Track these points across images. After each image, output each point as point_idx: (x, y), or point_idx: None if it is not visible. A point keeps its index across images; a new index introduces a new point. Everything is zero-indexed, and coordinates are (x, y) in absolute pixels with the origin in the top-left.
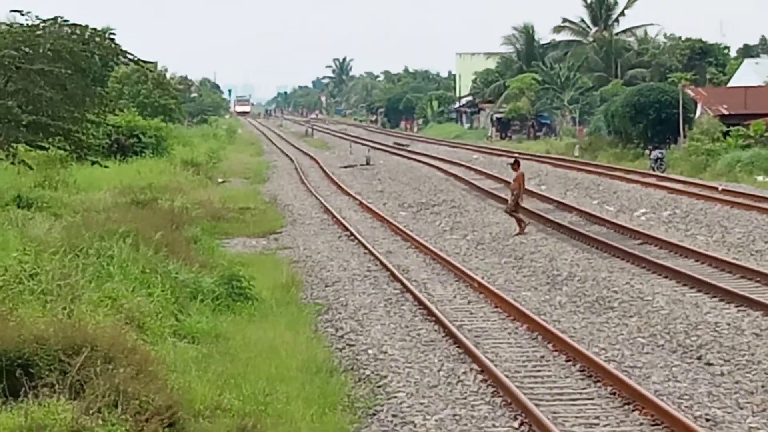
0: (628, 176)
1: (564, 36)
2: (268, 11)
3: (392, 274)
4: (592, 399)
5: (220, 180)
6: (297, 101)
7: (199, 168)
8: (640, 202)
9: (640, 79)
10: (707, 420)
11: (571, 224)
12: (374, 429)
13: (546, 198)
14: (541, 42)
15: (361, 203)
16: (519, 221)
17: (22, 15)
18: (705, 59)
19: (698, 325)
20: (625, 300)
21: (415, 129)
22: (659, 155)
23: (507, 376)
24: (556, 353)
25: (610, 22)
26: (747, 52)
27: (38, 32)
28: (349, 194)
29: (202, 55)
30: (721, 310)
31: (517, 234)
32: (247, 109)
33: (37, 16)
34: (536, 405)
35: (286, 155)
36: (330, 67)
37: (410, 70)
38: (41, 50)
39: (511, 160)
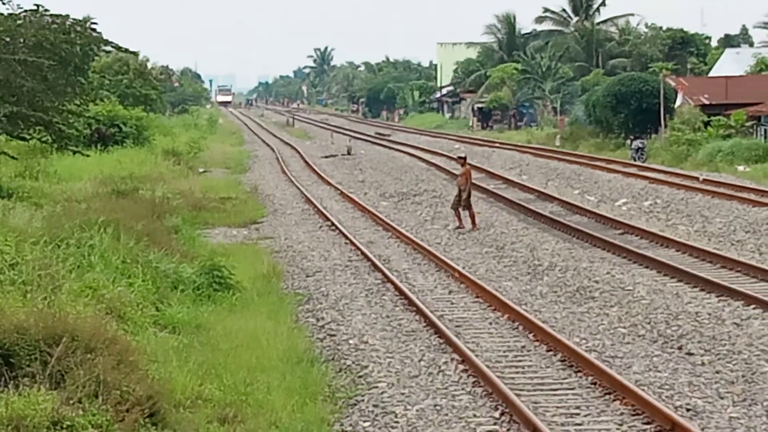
0: (609, 166)
1: (545, 26)
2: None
3: (373, 264)
4: (573, 389)
5: (201, 170)
6: (278, 91)
7: (180, 158)
8: (621, 191)
9: (621, 69)
10: (688, 410)
11: (552, 214)
12: (355, 419)
13: (527, 188)
14: (523, 32)
15: (342, 193)
16: (460, 217)
17: (3, 4)
18: (686, 49)
19: (679, 315)
20: (606, 290)
21: (397, 119)
22: (640, 145)
23: (488, 366)
24: (537, 343)
25: (591, 12)
26: (728, 41)
27: (19, 22)
28: (330, 184)
29: (183, 45)
30: (702, 300)
31: (457, 228)
32: (228, 99)
33: (18, 6)
34: (517, 395)
35: (268, 145)
36: (311, 56)
37: (391, 59)
38: (22, 40)
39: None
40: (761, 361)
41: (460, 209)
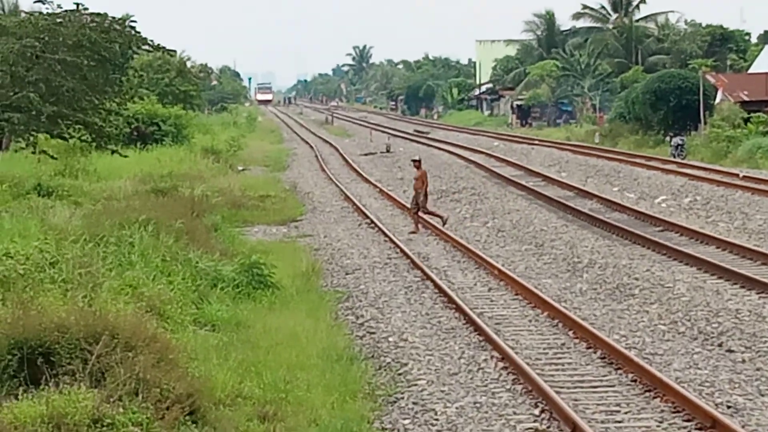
0: (649, 163)
1: (584, 23)
2: None
3: (412, 261)
4: (613, 386)
5: (240, 168)
6: (317, 89)
7: (219, 156)
8: (661, 189)
9: (661, 66)
10: (728, 407)
11: (592, 211)
12: (395, 417)
13: (566, 185)
14: (562, 29)
15: (381, 191)
16: (433, 213)
17: (43, 4)
18: (725, 45)
19: (719, 312)
20: (646, 287)
21: (435, 116)
22: (680, 142)
23: (528, 364)
24: (576, 340)
25: (630, 9)
26: (767, 38)
27: (59, 21)
28: (369, 182)
29: (222, 43)
30: (743, 297)
31: (412, 232)
32: (269, 97)
33: (58, 5)
34: (557, 392)
35: (306, 143)
36: (350, 54)
37: (430, 57)
38: (62, 39)
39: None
40: None
41: (420, 213)
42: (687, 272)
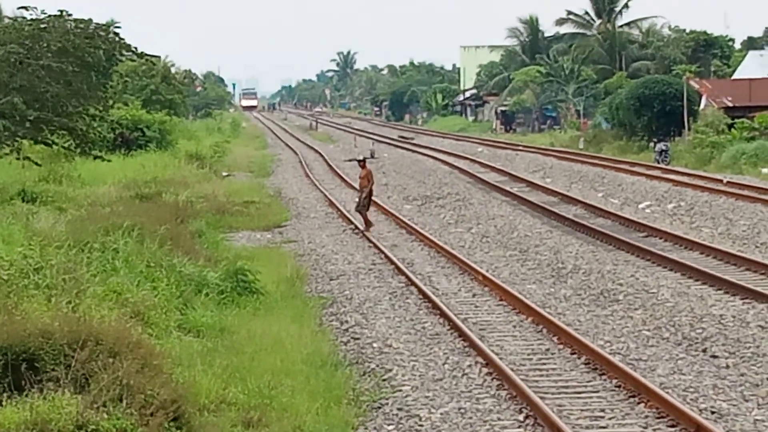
0: (633, 169)
1: (568, 28)
2: (271, 4)
3: (397, 267)
4: (597, 392)
5: (224, 174)
6: (301, 95)
7: (203, 162)
8: (645, 194)
9: (645, 72)
10: (712, 412)
11: (576, 217)
12: (379, 422)
13: (550, 191)
14: (546, 35)
15: None
16: (367, 219)
17: (27, 10)
18: (709, 51)
19: (703, 318)
20: (630, 293)
21: (420, 122)
22: (664, 147)
23: (512, 369)
24: (561, 346)
25: (614, 15)
26: (751, 44)
27: (43, 27)
28: (353, 187)
29: (206, 49)
30: (726, 302)
31: (366, 229)
32: (254, 103)
33: (42, 11)
34: (541, 398)
35: (291, 149)
36: (334, 60)
37: (415, 63)
38: (46, 45)
39: (360, 158)
40: None
41: (364, 211)
42: (671, 278)
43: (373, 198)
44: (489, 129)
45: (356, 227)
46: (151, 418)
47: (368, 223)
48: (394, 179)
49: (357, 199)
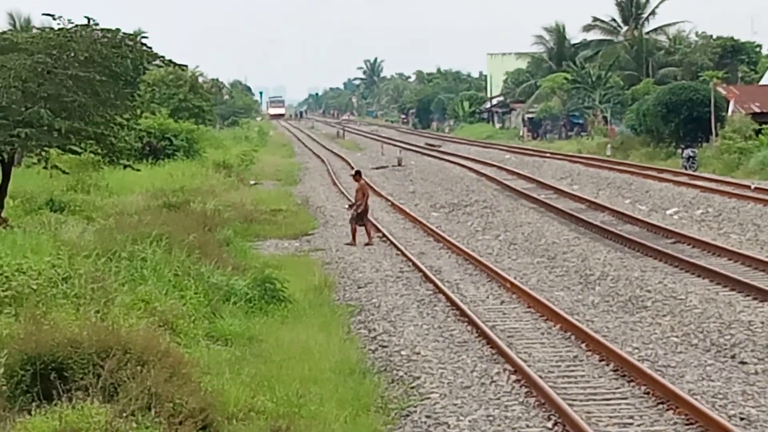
0: (660, 175)
1: (594, 35)
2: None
3: (425, 275)
4: (625, 399)
5: (252, 182)
6: (328, 103)
7: (231, 170)
8: (673, 201)
9: (672, 78)
10: (741, 419)
11: (604, 224)
12: (408, 430)
13: (578, 198)
14: (572, 41)
15: (393, 204)
16: (354, 233)
17: (54, 19)
18: (737, 57)
19: (732, 324)
20: (658, 299)
21: (447, 130)
22: (691, 154)
23: (540, 377)
24: (589, 353)
25: (641, 21)
26: None
27: (70, 37)
28: (381, 195)
29: (233, 58)
30: (755, 308)
31: (348, 244)
32: (282, 111)
33: (69, 20)
34: (570, 405)
35: (318, 157)
36: (361, 68)
37: (441, 70)
38: (73, 55)
39: (353, 172)
40: None
41: (357, 225)
42: (699, 284)
43: (368, 215)
44: (516, 136)
45: (383, 235)
46: (180, 427)
47: (354, 239)
48: (421, 187)
49: (351, 213)
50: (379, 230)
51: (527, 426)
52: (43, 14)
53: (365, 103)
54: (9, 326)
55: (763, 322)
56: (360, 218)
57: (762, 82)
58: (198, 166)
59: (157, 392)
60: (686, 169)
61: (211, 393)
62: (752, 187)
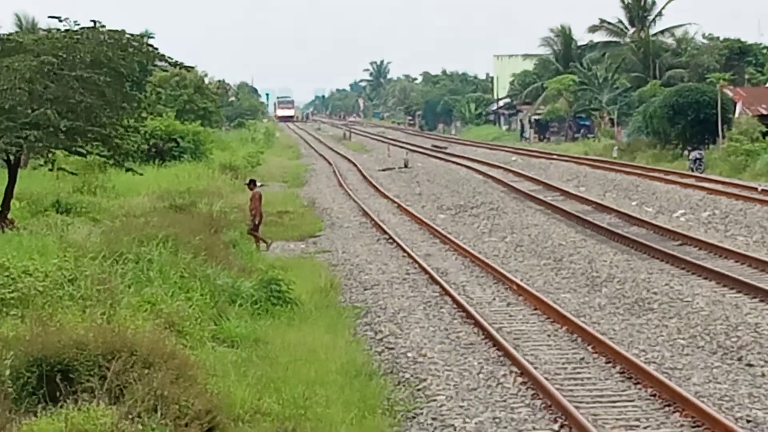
0: (667, 177)
1: (601, 37)
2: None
3: (431, 276)
4: (632, 401)
5: (258, 184)
6: (335, 104)
7: (237, 172)
8: (679, 203)
9: (679, 80)
10: (748, 421)
11: (610, 226)
12: None
13: (585, 199)
14: (579, 43)
15: (399, 206)
16: (257, 240)
17: (60, 21)
18: (743, 59)
19: (738, 326)
20: (665, 301)
21: (453, 131)
22: (698, 156)
23: (547, 379)
24: (595, 355)
25: (647, 23)
26: None
27: (77, 38)
28: (387, 197)
29: (239, 59)
30: (762, 311)
31: (257, 247)
32: (291, 113)
33: (75, 22)
34: (576, 407)
35: (324, 159)
36: (367, 70)
37: (448, 72)
38: (80, 56)
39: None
40: None
41: (255, 233)
42: (706, 286)
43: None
44: (522, 138)
45: (390, 237)
46: (186, 429)
47: (263, 242)
48: (427, 188)
49: (248, 223)
50: (385, 232)
51: (534, 428)
52: (49, 17)
53: (372, 105)
54: (15, 328)
55: None
56: (257, 228)
57: None
58: (204, 168)
59: (163, 394)
60: (693, 171)
61: (217, 395)
62: (759, 189)
